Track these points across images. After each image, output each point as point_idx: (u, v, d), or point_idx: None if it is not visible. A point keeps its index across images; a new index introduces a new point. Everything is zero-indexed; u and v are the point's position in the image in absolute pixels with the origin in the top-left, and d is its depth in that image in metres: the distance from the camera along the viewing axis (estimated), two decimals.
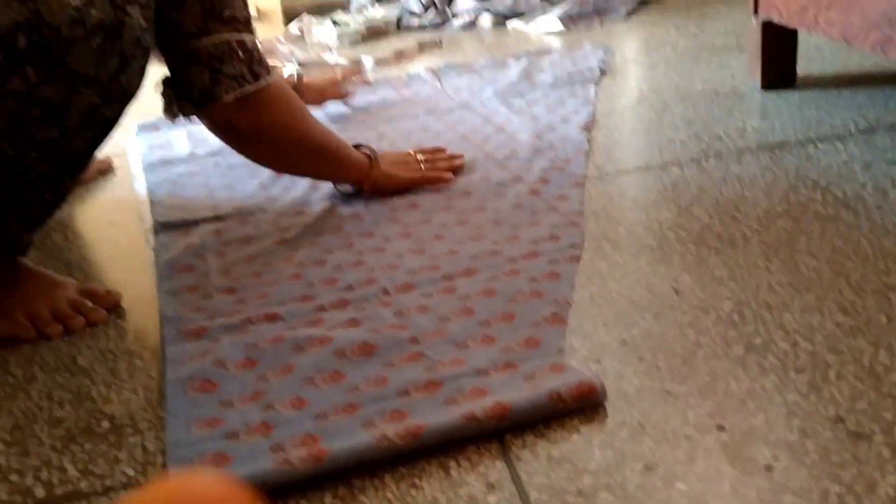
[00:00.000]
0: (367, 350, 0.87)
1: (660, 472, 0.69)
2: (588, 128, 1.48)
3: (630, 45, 2.06)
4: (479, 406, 0.75)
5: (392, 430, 0.73)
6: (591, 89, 1.69)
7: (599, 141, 1.42)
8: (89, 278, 1.12)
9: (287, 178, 1.40)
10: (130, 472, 0.75)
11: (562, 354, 0.85)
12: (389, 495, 0.69)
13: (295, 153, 1.19)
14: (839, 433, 0.71)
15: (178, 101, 1.09)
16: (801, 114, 1.44)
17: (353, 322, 0.93)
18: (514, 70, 1.89)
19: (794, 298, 0.91)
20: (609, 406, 0.77)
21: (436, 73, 1.94)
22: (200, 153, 1.58)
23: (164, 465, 0.75)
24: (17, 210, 0.95)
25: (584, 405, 0.77)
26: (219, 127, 1.12)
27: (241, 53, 1.07)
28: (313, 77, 1.70)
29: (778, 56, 1.59)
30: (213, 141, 1.62)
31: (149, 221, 1.29)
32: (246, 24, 1.09)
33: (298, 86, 1.62)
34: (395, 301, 0.97)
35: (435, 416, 0.75)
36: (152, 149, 1.64)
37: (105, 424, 0.82)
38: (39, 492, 0.74)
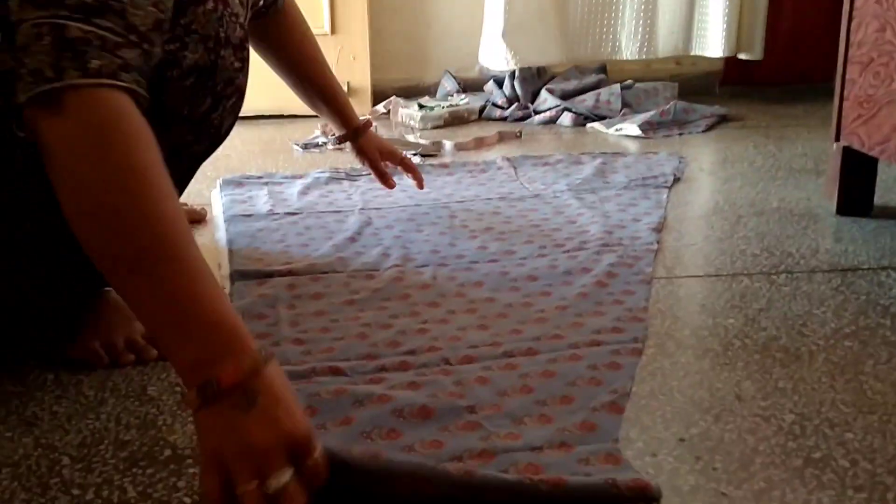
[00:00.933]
0: (424, 413, 0.89)
1: None
2: (658, 230, 1.49)
3: (707, 158, 2.09)
4: (536, 476, 0.77)
5: (453, 469, 0.76)
6: (664, 194, 1.72)
7: (670, 244, 1.44)
8: None
9: (360, 242, 1.45)
10: (187, 501, 0.77)
11: (617, 444, 0.85)
12: None
13: (96, 216, 0.74)
14: None
15: None
16: (876, 241, 1.44)
17: (413, 385, 0.95)
18: (588, 167, 1.92)
19: (856, 418, 0.90)
20: (663, 501, 0.77)
21: (512, 161, 1.98)
22: (280, 212, 1.64)
23: None
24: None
25: (638, 499, 0.76)
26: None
27: (50, 40, 0.74)
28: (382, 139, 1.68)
29: (855, 183, 1.60)
30: (292, 202, 1.70)
31: (226, 269, 1.34)
32: (81, 8, 0.75)
33: (362, 128, 1.56)
34: (455, 371, 0.99)
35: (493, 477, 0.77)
36: (234, 203, 1.71)
37: (167, 452, 0.85)
38: None
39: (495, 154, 2.08)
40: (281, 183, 1.84)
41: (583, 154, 2.04)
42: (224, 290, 0.78)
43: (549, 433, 0.86)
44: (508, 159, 1.99)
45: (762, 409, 0.92)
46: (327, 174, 1.89)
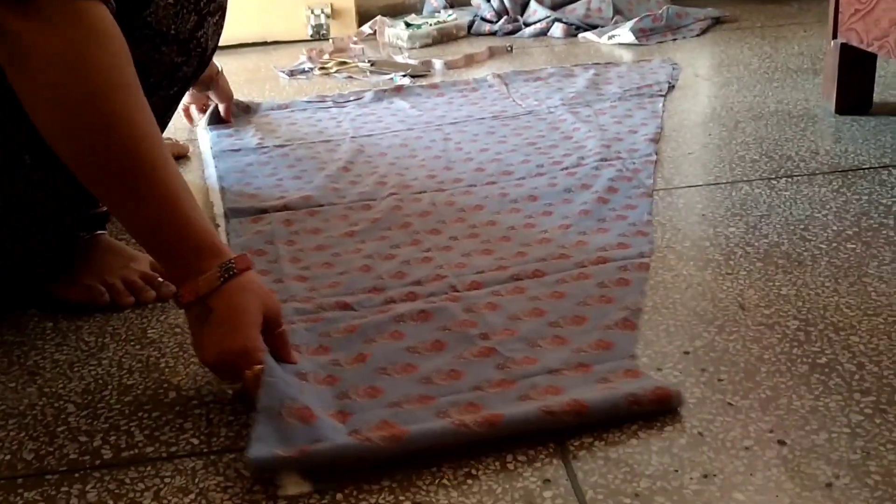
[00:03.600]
0: (438, 346, 0.89)
1: (717, 481, 0.69)
2: (656, 140, 1.47)
3: (702, 63, 2.05)
4: (556, 401, 0.76)
5: (470, 419, 0.74)
6: (660, 103, 1.68)
7: (668, 154, 1.42)
8: None
9: (354, 172, 1.42)
10: (195, 441, 0.77)
11: (634, 360, 0.85)
12: (445, 482, 0.70)
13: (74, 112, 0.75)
14: None
15: None
16: (876, 139, 1.42)
17: (423, 315, 0.94)
18: (581, 80, 1.89)
19: (861, 321, 0.90)
20: (669, 414, 0.77)
21: (503, 78, 1.94)
22: (269, 144, 1.61)
23: (227, 437, 0.77)
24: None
25: (660, 410, 0.77)
26: None
27: None
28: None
29: (854, 81, 1.56)
30: (281, 132, 1.67)
31: (220, 207, 1.32)
32: None
33: (215, 77, 1.63)
34: (463, 297, 0.98)
35: (511, 408, 0.76)
36: (221, 137, 1.67)
37: (172, 395, 0.85)
38: (107, 454, 0.76)
39: (486, 71, 2.04)
40: (267, 114, 1.81)
41: (575, 66, 2.00)
42: (198, 206, 0.82)
43: (565, 355, 0.85)
44: (499, 76, 1.95)
45: (766, 318, 0.91)
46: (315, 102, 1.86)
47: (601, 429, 0.75)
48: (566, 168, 1.37)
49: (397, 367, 0.85)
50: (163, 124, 1.01)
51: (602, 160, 1.38)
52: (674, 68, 1.93)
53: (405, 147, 1.54)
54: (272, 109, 1.84)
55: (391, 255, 1.11)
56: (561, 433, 0.75)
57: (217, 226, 1.24)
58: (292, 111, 1.82)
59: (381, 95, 1.87)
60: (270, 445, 0.71)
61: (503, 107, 1.75)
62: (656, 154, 1.41)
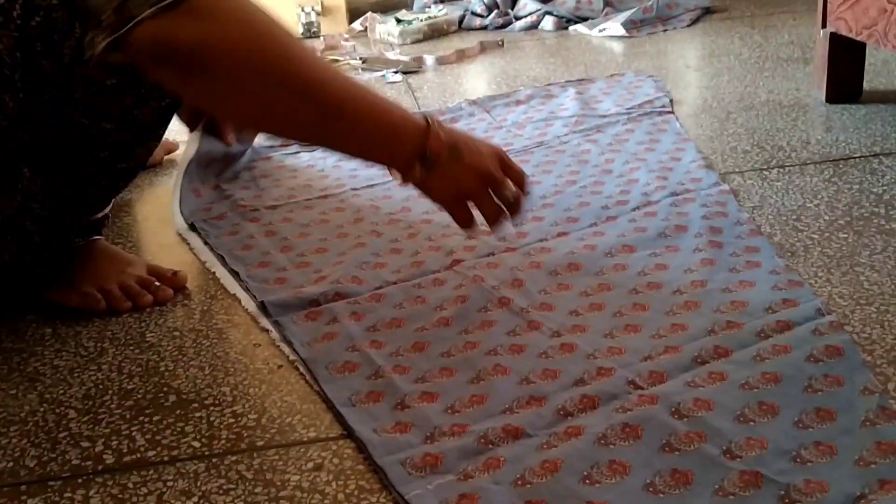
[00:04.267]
0: (680, 478, 0.69)
1: None
2: (710, 166, 1.30)
3: (693, 53, 2.05)
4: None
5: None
6: (676, 122, 1.52)
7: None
8: (156, 259, 1.15)
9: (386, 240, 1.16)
10: (196, 444, 0.78)
11: None
12: None
13: (271, 91, 0.81)
14: None
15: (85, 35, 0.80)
16: (867, 128, 1.43)
17: (630, 431, 0.74)
18: (567, 100, 1.70)
19: (854, 310, 0.90)
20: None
21: (480, 105, 1.73)
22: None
23: (227, 439, 0.78)
24: (93, 180, 0.98)
25: None
26: (146, 56, 0.78)
27: None
28: None
29: (844, 69, 1.57)
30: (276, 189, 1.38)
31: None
32: None
33: None
34: (659, 395, 0.79)
35: None
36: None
37: (172, 398, 0.85)
38: (109, 458, 0.77)
39: (478, 66, 2.04)
40: (268, 156, 1.53)
41: (549, 85, 1.82)
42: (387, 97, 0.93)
43: (846, 471, 0.69)
44: (475, 102, 1.74)
45: None
46: None
47: None
48: (637, 208, 1.18)
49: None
50: (157, 136, 1.01)
51: (672, 194, 1.20)
52: (655, 80, 1.79)
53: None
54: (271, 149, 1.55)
55: (517, 346, 0.89)
56: None
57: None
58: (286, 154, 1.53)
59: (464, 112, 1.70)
60: None
61: (504, 139, 1.52)
62: (726, 184, 1.23)
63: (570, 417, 0.77)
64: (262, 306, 1.00)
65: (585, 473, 0.70)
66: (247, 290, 1.04)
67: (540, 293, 0.99)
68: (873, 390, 0.76)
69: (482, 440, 0.75)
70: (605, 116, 1.58)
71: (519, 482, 0.70)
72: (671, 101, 1.65)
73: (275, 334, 0.95)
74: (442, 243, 1.13)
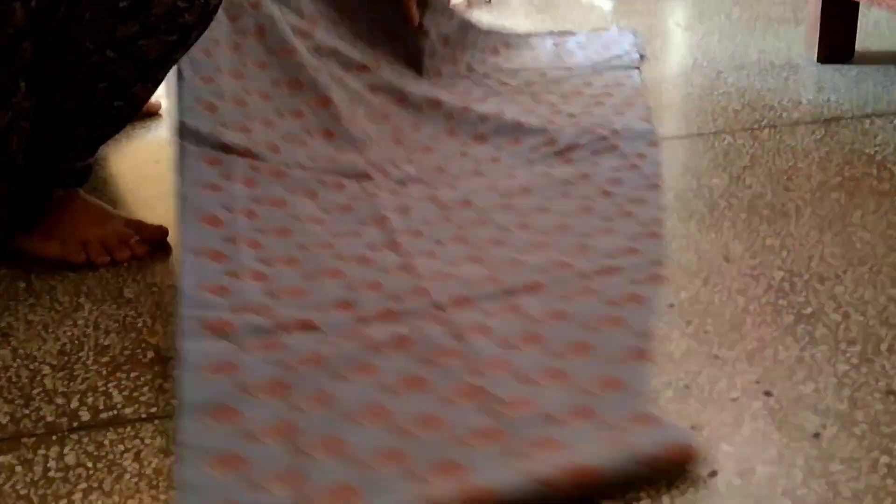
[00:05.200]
0: (418, 383, 0.74)
1: (705, 433, 0.68)
2: (648, 119, 1.31)
3: (684, 12, 2.02)
4: (555, 467, 0.63)
5: (445, 492, 0.62)
6: (636, 76, 1.53)
7: (652, 105, 1.40)
8: (135, 214, 1.12)
9: (335, 140, 1.21)
10: (175, 402, 0.75)
11: (647, 401, 0.72)
12: None
13: None
14: (890, 406, 0.70)
15: None
16: (858, 88, 1.41)
17: (401, 342, 0.80)
18: (542, 53, 1.69)
19: (846, 271, 0.89)
20: (655, 367, 0.76)
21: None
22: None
23: None
24: (88, 116, 0.96)
25: (681, 470, 0.64)
26: None
27: None
28: None
29: (836, 29, 1.55)
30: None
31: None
32: None
33: None
34: (449, 319, 0.83)
35: (499, 475, 0.63)
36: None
37: (150, 354, 0.83)
38: (85, 415, 0.75)
39: None
40: None
41: (532, 36, 1.78)
42: None
43: (565, 396, 0.72)
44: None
45: (751, 269, 0.91)
46: None
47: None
48: (560, 153, 1.21)
49: (366, 411, 0.71)
50: (155, 80, 0.99)
51: (599, 143, 1.22)
52: (636, 36, 1.77)
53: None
54: None
55: (366, 258, 0.95)
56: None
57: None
58: None
59: None
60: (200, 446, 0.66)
61: (466, 88, 1.49)
62: (657, 134, 1.25)
63: (365, 324, 0.82)
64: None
65: (339, 371, 0.75)
66: None
67: (422, 222, 1.04)
68: (643, 331, 0.80)
69: (277, 325, 0.81)
70: (570, 69, 1.60)
71: (281, 364, 0.76)
72: (642, 56, 1.64)
73: None
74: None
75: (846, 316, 0.82)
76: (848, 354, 0.76)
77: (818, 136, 1.23)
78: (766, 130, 1.27)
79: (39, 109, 0.92)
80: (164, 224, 1.06)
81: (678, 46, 1.74)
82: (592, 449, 0.65)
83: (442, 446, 0.67)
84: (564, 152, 1.21)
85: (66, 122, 0.96)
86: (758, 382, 0.73)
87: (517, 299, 0.86)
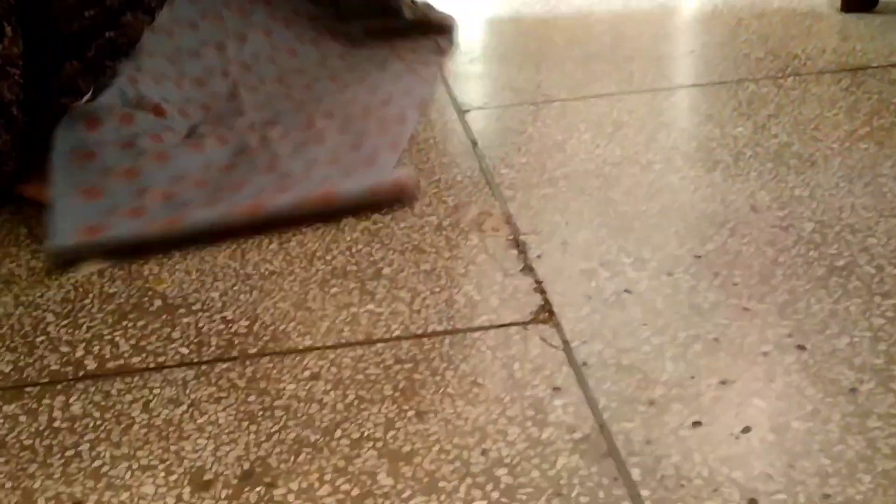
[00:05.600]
0: (229, 167, 1.01)
1: (736, 387, 0.65)
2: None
3: None
4: (310, 193, 0.94)
5: (237, 210, 0.90)
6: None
7: (668, 52, 1.36)
8: None
9: None
10: (184, 351, 0.73)
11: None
12: (450, 391, 0.67)
13: None
14: None
15: None
16: (883, 37, 1.36)
17: (222, 139, 1.06)
18: None
19: (878, 222, 0.86)
20: (683, 320, 0.73)
21: None
22: None
23: (218, 346, 0.73)
24: (77, 47, 0.93)
25: (399, 200, 0.94)
26: None
27: None
28: None
29: None
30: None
31: None
32: None
33: None
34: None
35: (273, 201, 0.92)
36: None
37: (157, 303, 0.80)
38: (91, 364, 0.72)
39: None
40: None
41: None
42: None
43: (332, 169, 1.00)
44: None
45: (779, 219, 0.87)
46: None
47: (611, 334, 0.72)
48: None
49: (193, 178, 0.98)
50: (144, 7, 0.96)
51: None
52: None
53: None
54: None
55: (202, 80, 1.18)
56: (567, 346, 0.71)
57: None
58: None
59: None
60: (67, 229, 0.87)
61: None
62: None
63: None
64: None
65: (178, 157, 1.01)
66: None
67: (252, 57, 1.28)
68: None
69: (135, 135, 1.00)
70: None
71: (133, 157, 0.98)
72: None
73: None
74: None
75: (880, 268, 0.79)
76: (883, 308, 0.73)
77: (844, 85, 1.19)
78: (791, 79, 1.23)
79: (28, 50, 0.88)
80: None
81: None
82: (341, 184, 0.95)
83: (245, 197, 0.93)
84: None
85: (57, 56, 0.92)
86: (790, 336, 0.71)
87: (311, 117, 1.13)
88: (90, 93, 1.00)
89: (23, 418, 0.66)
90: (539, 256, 0.84)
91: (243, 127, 1.10)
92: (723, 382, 0.66)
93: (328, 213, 0.91)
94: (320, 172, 0.99)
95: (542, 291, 0.79)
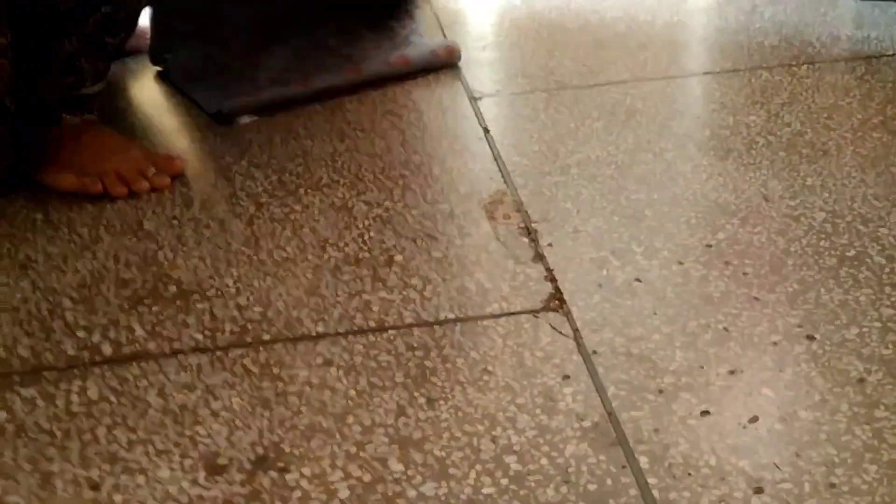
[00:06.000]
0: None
1: (745, 377, 0.66)
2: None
3: None
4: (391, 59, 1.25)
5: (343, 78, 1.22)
6: None
7: (682, 38, 1.35)
8: (154, 145, 1.09)
9: None
10: (199, 337, 0.74)
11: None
12: (461, 378, 0.68)
13: None
14: None
15: None
16: None
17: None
18: None
19: (890, 212, 0.86)
20: (693, 309, 0.74)
21: None
22: None
23: (232, 332, 0.74)
24: (74, 26, 0.93)
25: (451, 63, 1.28)
26: None
27: None
28: None
29: None
30: None
31: None
32: None
33: None
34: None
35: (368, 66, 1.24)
36: None
37: (172, 289, 0.81)
38: (107, 349, 0.73)
39: None
40: None
41: None
42: None
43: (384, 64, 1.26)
44: None
45: (791, 209, 0.88)
46: None
47: (621, 323, 0.72)
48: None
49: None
50: None
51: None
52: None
53: None
54: None
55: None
56: (577, 333, 0.72)
57: None
58: None
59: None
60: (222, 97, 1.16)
61: None
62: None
63: None
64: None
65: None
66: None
67: None
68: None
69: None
70: None
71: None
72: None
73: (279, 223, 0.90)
74: None
75: (890, 259, 0.79)
76: (893, 298, 0.74)
77: (858, 74, 1.19)
78: (805, 67, 1.22)
79: (19, 38, 0.89)
80: (182, 153, 1.03)
81: None
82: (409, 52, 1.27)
83: (342, 66, 1.24)
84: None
85: (53, 35, 0.93)
86: (800, 326, 0.71)
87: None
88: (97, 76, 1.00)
89: (41, 402, 0.67)
90: (550, 244, 0.84)
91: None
92: (731, 372, 0.67)
93: (406, 73, 1.23)
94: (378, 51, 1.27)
95: (553, 280, 0.79)
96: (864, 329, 0.70)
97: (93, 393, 0.68)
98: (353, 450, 0.61)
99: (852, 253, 0.80)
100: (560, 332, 0.72)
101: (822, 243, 0.82)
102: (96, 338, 0.75)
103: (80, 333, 0.75)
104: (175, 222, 0.92)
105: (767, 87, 1.16)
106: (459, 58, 1.27)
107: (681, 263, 0.80)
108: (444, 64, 1.27)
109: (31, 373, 0.71)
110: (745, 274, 0.78)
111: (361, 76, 1.22)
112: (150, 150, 1.02)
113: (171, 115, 1.19)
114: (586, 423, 0.62)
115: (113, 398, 0.67)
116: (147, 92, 1.29)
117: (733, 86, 1.17)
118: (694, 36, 1.37)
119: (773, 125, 1.05)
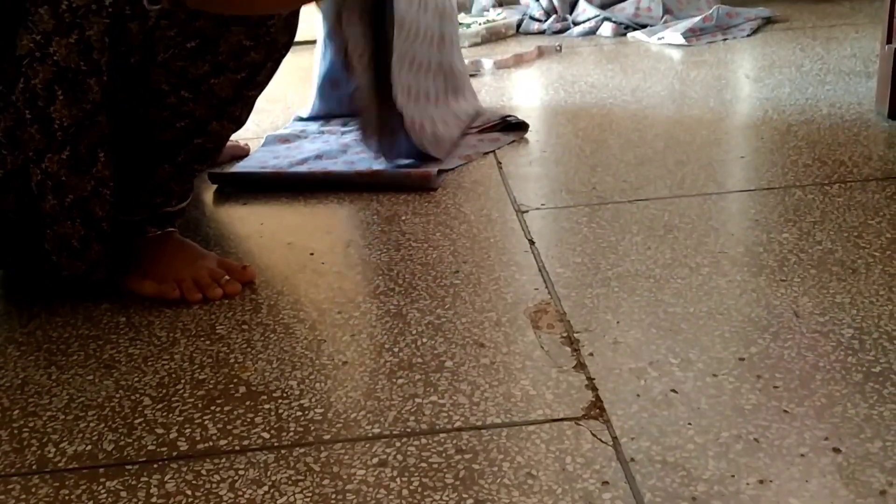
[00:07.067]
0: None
1: (773, 486, 0.70)
2: None
3: (753, 63, 2.05)
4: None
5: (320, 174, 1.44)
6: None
7: (720, 157, 1.43)
8: (226, 253, 1.19)
9: None
10: (266, 435, 0.80)
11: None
12: (507, 481, 0.73)
13: None
14: None
15: None
16: None
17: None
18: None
19: None
20: (725, 420, 0.79)
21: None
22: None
23: (296, 432, 0.81)
24: (170, 155, 1.05)
25: (423, 185, 1.38)
26: None
27: None
28: None
29: None
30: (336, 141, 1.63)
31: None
32: None
33: None
34: None
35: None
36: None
37: (242, 389, 0.88)
38: (183, 445, 0.80)
39: (534, 71, 2.05)
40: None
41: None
42: None
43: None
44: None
45: (820, 325, 0.93)
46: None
47: (657, 432, 0.77)
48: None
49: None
50: (232, 116, 1.08)
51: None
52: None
53: None
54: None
55: None
56: (617, 444, 0.77)
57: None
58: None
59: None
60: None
61: None
62: None
63: None
64: None
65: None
66: None
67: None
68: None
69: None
70: None
71: None
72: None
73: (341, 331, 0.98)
74: None
75: None
76: None
77: (889, 193, 1.25)
78: (837, 186, 1.28)
79: (120, 170, 1.00)
80: (252, 264, 1.12)
81: (748, 98, 1.76)
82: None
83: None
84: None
85: (150, 162, 1.04)
86: (826, 439, 0.75)
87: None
88: (182, 196, 1.11)
89: (123, 494, 0.74)
90: (591, 354, 0.90)
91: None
92: (761, 482, 0.71)
93: (375, 186, 1.38)
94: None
95: (594, 388, 0.85)
96: (888, 443, 0.74)
97: (170, 486, 0.75)
98: None
99: (878, 369, 0.85)
100: (600, 440, 0.77)
101: (849, 359, 0.86)
102: (173, 434, 0.82)
103: (159, 430, 0.82)
104: (245, 327, 1.00)
105: (800, 205, 1.23)
106: (436, 185, 1.38)
107: (715, 376, 0.85)
108: (418, 187, 1.37)
109: (115, 465, 0.78)
110: (775, 387, 0.83)
111: (329, 178, 1.41)
112: (223, 259, 1.11)
113: (240, 225, 1.29)
114: None
115: (189, 491, 0.74)
116: (220, 202, 1.40)
117: (767, 203, 1.24)
118: (730, 154, 1.45)
119: (804, 243, 1.11)
